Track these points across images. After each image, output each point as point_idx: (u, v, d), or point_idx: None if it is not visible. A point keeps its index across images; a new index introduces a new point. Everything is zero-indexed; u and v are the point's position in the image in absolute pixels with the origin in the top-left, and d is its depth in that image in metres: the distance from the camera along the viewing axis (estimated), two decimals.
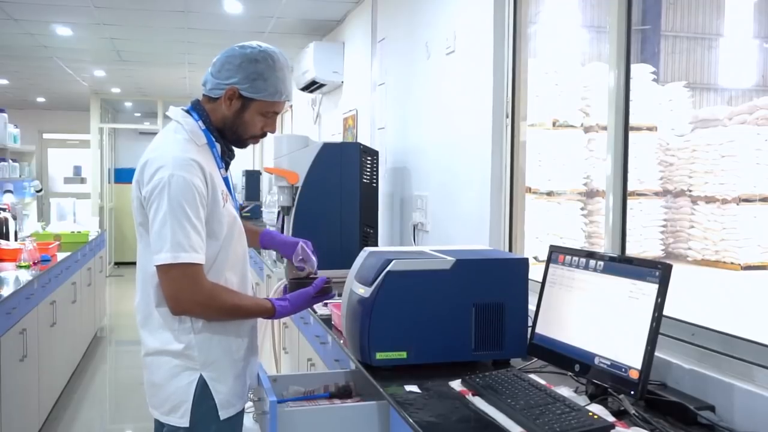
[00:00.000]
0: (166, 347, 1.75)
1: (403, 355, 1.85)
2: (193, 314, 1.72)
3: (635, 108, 6.92)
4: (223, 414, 1.77)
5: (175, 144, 1.73)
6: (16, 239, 4.97)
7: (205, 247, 1.69)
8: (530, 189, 6.79)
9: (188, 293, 1.67)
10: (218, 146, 1.83)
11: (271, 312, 1.81)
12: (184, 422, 1.74)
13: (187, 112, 1.82)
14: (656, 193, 7.80)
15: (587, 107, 7.37)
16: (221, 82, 1.78)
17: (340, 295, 2.04)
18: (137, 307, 1.82)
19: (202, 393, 1.75)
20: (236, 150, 1.93)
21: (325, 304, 2.69)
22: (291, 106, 7.50)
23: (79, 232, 6.10)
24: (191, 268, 1.65)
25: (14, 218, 5.06)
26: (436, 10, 3.27)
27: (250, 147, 10.79)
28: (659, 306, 1.50)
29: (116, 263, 10.94)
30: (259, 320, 2.04)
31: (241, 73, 1.77)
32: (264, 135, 1.89)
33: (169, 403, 1.76)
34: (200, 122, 1.80)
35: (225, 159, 1.87)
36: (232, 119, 1.81)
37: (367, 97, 4.52)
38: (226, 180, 1.83)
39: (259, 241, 2.08)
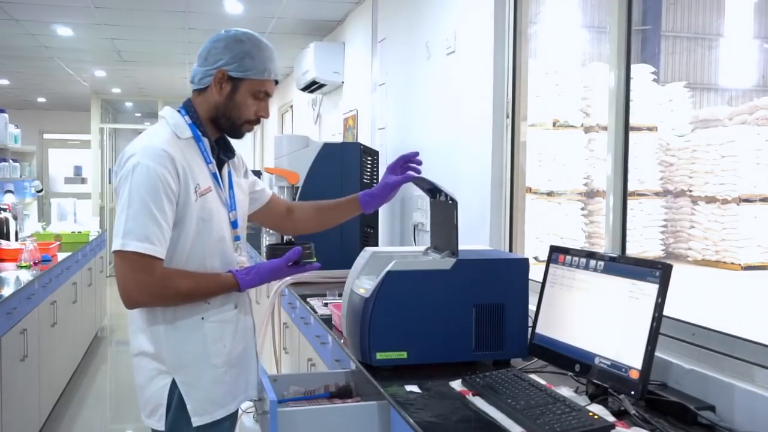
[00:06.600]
0: (142, 348, 1.74)
1: (404, 355, 1.85)
2: (146, 305, 1.69)
3: (635, 108, 6.93)
4: (197, 421, 1.71)
5: (153, 136, 1.74)
6: (16, 239, 4.97)
7: (165, 239, 1.64)
8: (530, 189, 6.80)
9: (134, 284, 1.62)
10: (206, 141, 1.79)
11: (235, 286, 1.76)
12: (161, 426, 1.72)
13: (178, 111, 1.81)
14: (656, 193, 7.81)
15: (587, 107, 7.38)
16: (209, 69, 1.76)
17: (340, 295, 2.04)
18: None
19: (177, 397, 1.71)
20: (236, 149, 1.91)
21: (325, 304, 2.70)
22: (291, 107, 7.50)
23: (80, 232, 6.11)
24: (142, 258, 1.60)
25: (15, 218, 5.07)
26: (437, 10, 3.27)
27: (251, 146, 10.67)
28: (659, 306, 1.50)
29: None
30: (260, 321, 2.01)
31: (228, 53, 1.75)
32: (258, 121, 1.84)
33: (149, 405, 1.74)
34: (186, 117, 1.78)
35: (218, 156, 1.82)
36: (225, 104, 1.77)
37: (367, 98, 4.52)
38: (215, 176, 1.79)
39: (361, 207, 2.03)
